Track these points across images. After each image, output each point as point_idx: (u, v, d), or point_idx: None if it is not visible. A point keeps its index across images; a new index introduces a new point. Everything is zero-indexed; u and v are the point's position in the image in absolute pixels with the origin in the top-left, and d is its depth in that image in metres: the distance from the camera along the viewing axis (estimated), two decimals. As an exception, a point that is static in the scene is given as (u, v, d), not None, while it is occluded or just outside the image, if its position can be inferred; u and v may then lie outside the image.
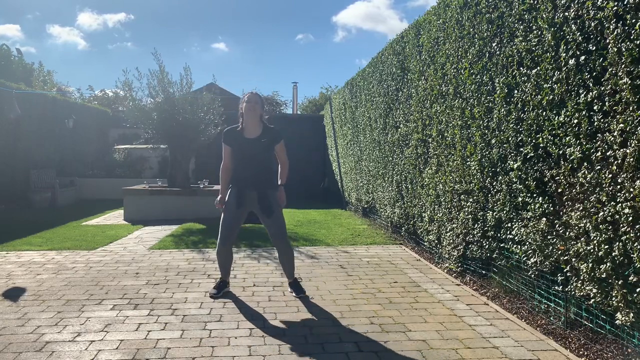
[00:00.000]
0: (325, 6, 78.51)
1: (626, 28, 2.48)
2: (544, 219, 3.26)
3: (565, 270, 3.09)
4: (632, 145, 2.45)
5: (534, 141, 3.35)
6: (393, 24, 72.06)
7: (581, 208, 2.87)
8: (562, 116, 3.01)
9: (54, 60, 69.50)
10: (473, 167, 4.29)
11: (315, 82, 74.64)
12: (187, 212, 8.95)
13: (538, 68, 3.27)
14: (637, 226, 2.45)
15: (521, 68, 3.50)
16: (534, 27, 3.33)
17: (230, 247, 4.06)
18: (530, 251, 3.48)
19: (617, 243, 2.58)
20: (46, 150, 12.13)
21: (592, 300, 2.83)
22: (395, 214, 6.83)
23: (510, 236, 3.74)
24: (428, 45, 5.31)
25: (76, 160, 13.83)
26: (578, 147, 2.87)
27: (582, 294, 2.94)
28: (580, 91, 2.86)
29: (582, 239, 2.88)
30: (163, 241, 6.59)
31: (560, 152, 3.06)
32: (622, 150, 2.53)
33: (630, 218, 2.47)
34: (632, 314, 2.53)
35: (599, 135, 2.71)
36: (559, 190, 3.09)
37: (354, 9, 73.75)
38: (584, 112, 2.82)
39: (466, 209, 4.48)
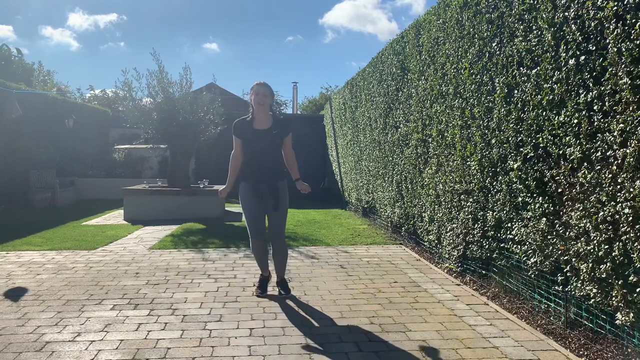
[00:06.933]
0: (311, 8, 78.42)
1: (626, 28, 2.48)
2: (544, 219, 3.26)
3: (565, 270, 3.09)
4: (632, 145, 2.45)
5: (534, 141, 3.35)
6: (382, 25, 71.89)
7: (581, 208, 2.87)
8: (562, 116, 3.01)
9: (49, 61, 69.31)
10: (473, 167, 4.29)
11: (315, 82, 74.76)
12: (187, 212, 8.96)
13: (538, 68, 3.27)
14: (637, 226, 2.45)
15: (521, 68, 3.50)
16: (534, 27, 3.33)
17: (263, 242, 3.99)
18: (530, 251, 3.48)
19: (617, 243, 2.58)
20: (46, 150, 12.12)
21: (592, 300, 2.83)
22: (395, 214, 6.83)
23: (510, 236, 3.74)
24: (428, 45, 5.31)
25: (76, 160, 13.82)
26: (578, 147, 2.87)
27: (582, 294, 2.94)
28: (580, 91, 2.86)
29: (582, 239, 2.88)
30: (163, 241, 6.59)
31: (560, 152, 3.06)
32: (622, 150, 2.53)
33: (630, 218, 2.47)
34: (632, 314, 2.53)
35: (599, 135, 2.71)
36: (559, 190, 3.09)
37: (339, 9, 73.62)
38: (584, 112, 2.82)
39: (466, 209, 4.48)
